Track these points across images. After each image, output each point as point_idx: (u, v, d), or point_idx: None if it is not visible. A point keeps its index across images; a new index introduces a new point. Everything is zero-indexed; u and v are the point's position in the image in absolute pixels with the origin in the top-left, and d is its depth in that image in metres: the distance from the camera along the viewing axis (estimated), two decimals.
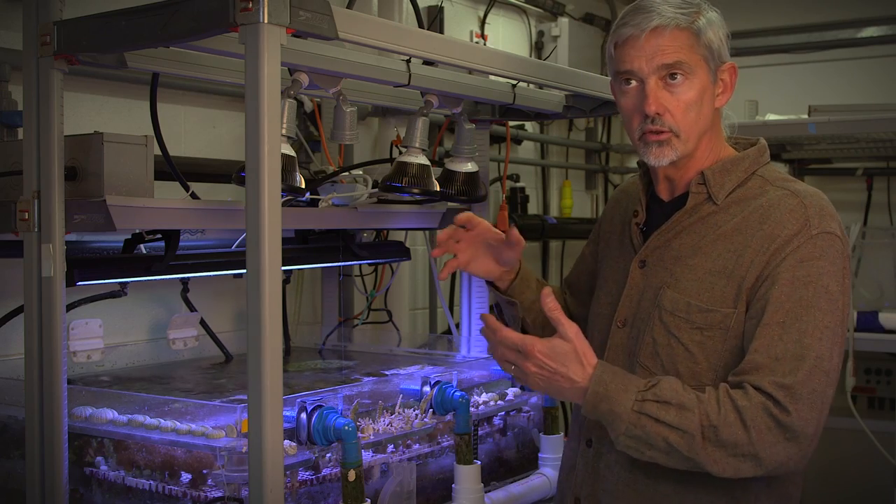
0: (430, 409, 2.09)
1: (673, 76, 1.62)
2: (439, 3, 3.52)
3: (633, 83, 1.66)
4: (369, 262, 2.84)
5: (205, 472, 1.74)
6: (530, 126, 4.21)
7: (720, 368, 1.61)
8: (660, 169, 1.70)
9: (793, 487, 1.69)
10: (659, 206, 1.76)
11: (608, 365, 1.61)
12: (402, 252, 2.81)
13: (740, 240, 1.62)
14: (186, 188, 2.12)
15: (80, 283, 1.94)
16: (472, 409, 2.12)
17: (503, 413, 2.35)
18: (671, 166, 1.69)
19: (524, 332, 1.85)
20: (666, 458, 1.54)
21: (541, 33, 4.30)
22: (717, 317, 1.61)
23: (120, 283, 2.22)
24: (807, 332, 1.53)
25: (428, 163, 2.18)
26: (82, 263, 1.99)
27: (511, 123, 3.09)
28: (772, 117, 3.74)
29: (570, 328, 1.60)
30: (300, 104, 2.74)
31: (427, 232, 3.12)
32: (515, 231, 1.88)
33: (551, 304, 1.61)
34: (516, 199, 4.01)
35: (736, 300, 1.60)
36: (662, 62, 1.61)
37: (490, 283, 1.98)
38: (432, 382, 2.10)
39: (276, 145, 1.46)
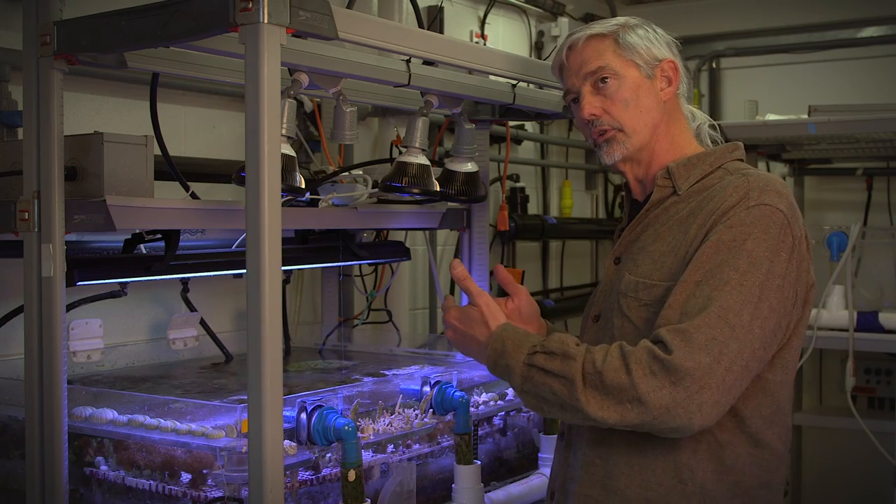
0: (430, 409, 2.09)
1: (603, 80, 1.73)
2: (439, 3, 3.52)
3: (577, 101, 1.77)
4: (369, 262, 2.84)
5: (205, 472, 1.74)
6: (530, 126, 4.21)
7: None
8: (625, 171, 1.78)
9: (750, 479, 1.64)
10: (637, 208, 1.80)
11: (511, 325, 1.68)
12: (402, 252, 2.81)
13: (690, 220, 1.65)
14: (186, 188, 2.12)
15: (80, 283, 1.94)
16: (472, 409, 2.12)
17: (503, 413, 2.35)
18: (633, 164, 1.77)
19: None
20: (560, 410, 1.56)
21: (541, 33, 4.30)
22: (659, 291, 1.62)
23: (120, 283, 2.22)
24: (717, 286, 1.52)
25: (428, 163, 2.18)
26: (82, 263, 1.99)
27: (511, 123, 3.09)
28: (772, 117, 3.74)
29: (481, 296, 1.72)
30: (300, 104, 2.74)
31: (427, 232, 3.12)
32: (501, 271, 1.85)
33: (459, 273, 1.75)
34: (516, 199, 4.01)
35: (678, 274, 1.60)
36: (587, 70, 1.74)
37: None
38: (432, 382, 2.10)
39: (276, 145, 1.46)
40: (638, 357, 1.49)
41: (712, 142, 1.81)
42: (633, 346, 1.54)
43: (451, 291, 3.54)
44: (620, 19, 1.77)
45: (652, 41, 1.75)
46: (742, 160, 1.76)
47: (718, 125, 1.88)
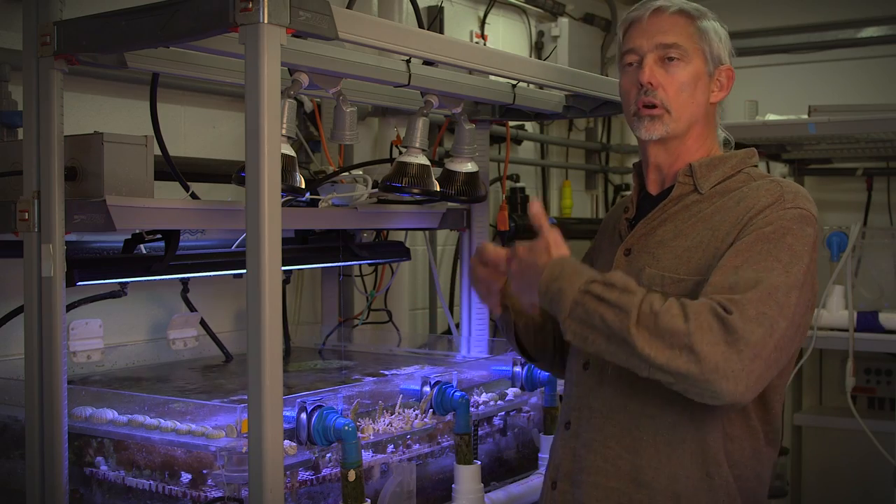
0: (430, 409, 2.09)
1: (670, 57, 1.71)
2: (439, 3, 3.52)
3: (634, 65, 1.75)
4: (369, 262, 2.84)
5: (205, 472, 1.74)
6: (530, 126, 4.21)
7: None
8: (651, 156, 1.76)
9: (768, 468, 1.70)
10: (648, 201, 1.79)
11: (574, 259, 1.65)
12: (402, 252, 2.81)
13: (718, 218, 1.66)
14: (186, 188, 2.12)
15: (80, 283, 1.94)
16: (472, 409, 2.12)
17: (503, 413, 2.35)
18: (662, 150, 1.75)
19: (516, 336, 1.93)
20: (605, 341, 1.52)
21: (541, 33, 4.30)
22: (688, 285, 1.62)
23: (120, 283, 2.22)
24: (763, 269, 1.52)
25: (428, 163, 2.18)
26: (82, 263, 1.99)
27: (511, 123, 3.09)
28: (772, 117, 3.74)
29: (549, 230, 1.68)
30: (300, 104, 2.74)
31: (427, 232, 3.12)
32: (536, 205, 1.82)
33: (538, 212, 1.70)
34: (516, 199, 4.00)
35: (709, 270, 1.60)
36: (661, 41, 1.72)
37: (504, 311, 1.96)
38: (432, 382, 2.10)
39: (276, 145, 1.46)
40: (697, 309, 1.48)
41: (724, 145, 1.82)
42: None
43: (451, 292, 3.53)
44: (709, 13, 1.76)
45: (722, 42, 1.76)
46: (757, 166, 1.77)
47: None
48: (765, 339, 1.47)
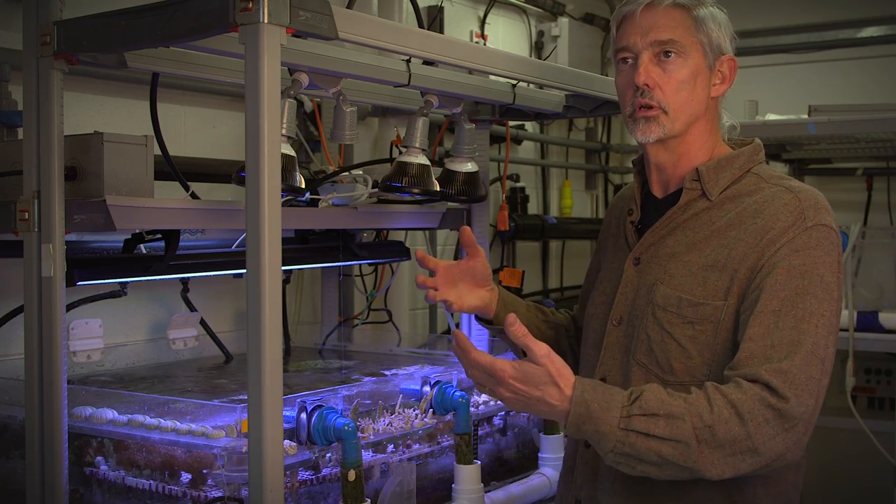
0: (430, 409, 2.09)
1: (667, 54, 1.64)
2: (439, 3, 3.52)
3: (629, 61, 1.67)
4: (369, 262, 2.84)
5: (205, 472, 1.74)
6: (530, 126, 4.21)
7: (713, 363, 1.59)
8: (651, 156, 1.71)
9: (791, 489, 1.67)
10: (653, 204, 1.75)
11: (587, 381, 1.52)
12: (402, 252, 2.81)
13: (733, 234, 1.61)
14: (186, 188, 2.12)
15: (80, 283, 1.94)
16: (472, 409, 2.12)
17: (503, 413, 2.35)
18: (663, 151, 1.69)
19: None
20: (659, 470, 1.49)
21: (541, 33, 4.30)
22: (707, 310, 1.60)
23: (120, 283, 2.22)
24: (803, 318, 1.51)
25: (428, 163, 2.18)
26: (82, 263, 1.99)
27: (511, 123, 3.09)
28: (772, 117, 3.74)
29: (540, 349, 1.51)
30: (300, 104, 2.74)
31: (427, 232, 3.12)
32: (467, 231, 1.85)
33: (517, 330, 1.52)
34: (516, 199, 4.01)
35: (727, 293, 1.59)
36: (656, 38, 1.64)
37: (479, 320, 1.96)
38: (432, 382, 2.10)
39: (276, 145, 1.46)
40: (750, 407, 1.45)
41: (729, 139, 1.76)
42: (679, 364, 1.57)
43: None
44: (708, 1, 1.68)
45: (723, 31, 1.68)
46: (764, 162, 1.73)
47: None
48: (816, 407, 1.50)
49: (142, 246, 2.18)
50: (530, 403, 1.53)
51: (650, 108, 1.65)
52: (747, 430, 1.44)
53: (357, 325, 2.95)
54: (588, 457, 1.73)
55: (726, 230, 1.62)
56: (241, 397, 1.95)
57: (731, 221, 1.63)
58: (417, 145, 2.16)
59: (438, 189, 2.22)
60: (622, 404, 1.48)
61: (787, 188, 1.63)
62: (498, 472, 2.32)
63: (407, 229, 2.81)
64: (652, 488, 1.62)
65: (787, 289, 1.53)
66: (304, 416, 1.80)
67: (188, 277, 2.44)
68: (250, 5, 1.43)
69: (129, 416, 1.86)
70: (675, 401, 1.48)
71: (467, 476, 2.06)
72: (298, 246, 2.55)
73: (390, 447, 2.00)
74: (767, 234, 1.57)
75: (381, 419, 1.99)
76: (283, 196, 1.70)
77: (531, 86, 2.41)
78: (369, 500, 1.81)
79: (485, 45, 3.82)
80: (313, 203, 2.35)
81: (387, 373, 2.39)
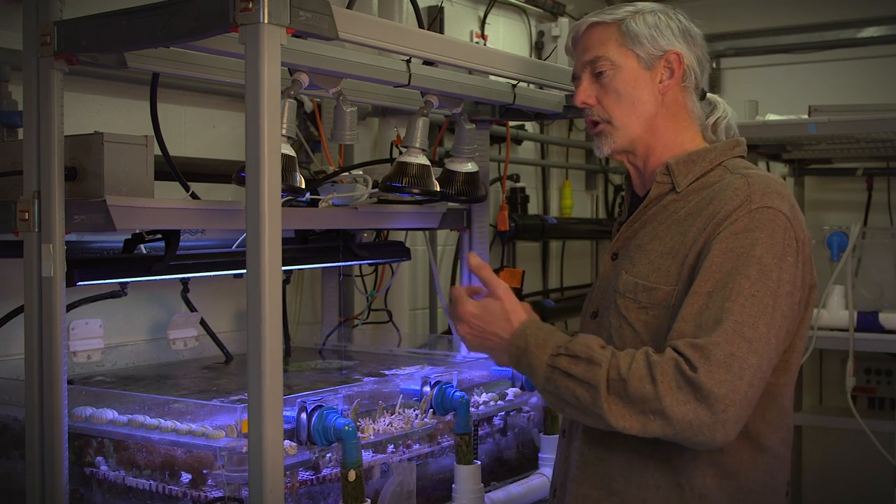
0: (430, 409, 2.09)
1: (599, 72, 1.72)
2: (439, 3, 3.52)
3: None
4: (369, 262, 2.84)
5: (205, 472, 1.74)
6: (530, 126, 4.21)
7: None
8: (624, 161, 1.78)
9: (752, 485, 1.63)
10: (637, 202, 1.79)
11: (536, 321, 1.64)
12: (402, 252, 2.81)
13: (689, 221, 1.64)
14: (186, 188, 2.12)
15: (80, 283, 1.94)
16: (472, 409, 2.12)
17: (503, 413, 2.35)
18: (630, 156, 1.76)
19: None
20: (581, 414, 1.54)
21: (541, 33, 4.30)
22: (659, 294, 1.61)
23: (120, 283, 2.22)
24: (729, 297, 1.50)
25: (428, 163, 2.18)
26: (82, 263, 1.99)
27: (511, 123, 3.09)
28: (772, 117, 3.74)
29: (500, 286, 1.66)
30: (300, 104, 2.74)
31: (427, 232, 3.12)
32: (474, 257, 1.79)
33: (476, 261, 1.69)
34: (516, 199, 4.01)
35: (678, 278, 1.60)
36: (585, 59, 1.74)
37: None
38: (432, 382, 2.10)
39: (276, 145, 1.46)
40: (664, 369, 1.47)
41: (727, 136, 1.78)
42: (634, 349, 1.54)
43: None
44: (636, 5, 1.74)
45: (661, 30, 1.71)
46: (744, 157, 1.74)
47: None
48: (735, 386, 1.45)
49: (142, 246, 2.18)
50: (484, 338, 1.66)
51: (596, 123, 1.74)
52: (657, 391, 1.46)
53: (357, 325, 2.95)
54: (562, 446, 1.78)
55: (685, 219, 1.65)
56: (241, 397, 1.95)
57: (690, 210, 1.65)
58: (417, 145, 2.16)
59: (438, 189, 2.22)
60: (557, 344, 1.57)
61: (743, 175, 1.64)
62: (498, 473, 2.32)
63: (407, 229, 2.81)
64: (605, 471, 1.65)
65: (722, 270, 1.53)
66: (304, 416, 1.80)
67: (188, 277, 2.44)
68: (250, 5, 1.43)
69: (130, 416, 1.86)
70: (602, 350, 1.53)
71: (467, 476, 2.06)
72: (298, 246, 2.55)
73: (390, 447, 2.00)
74: (714, 219, 1.59)
75: (382, 419, 1.99)
76: (283, 196, 1.71)
77: (531, 86, 2.41)
78: (369, 501, 1.81)
79: (485, 45, 3.82)
80: (313, 203, 2.35)
81: (387, 373, 2.39)
